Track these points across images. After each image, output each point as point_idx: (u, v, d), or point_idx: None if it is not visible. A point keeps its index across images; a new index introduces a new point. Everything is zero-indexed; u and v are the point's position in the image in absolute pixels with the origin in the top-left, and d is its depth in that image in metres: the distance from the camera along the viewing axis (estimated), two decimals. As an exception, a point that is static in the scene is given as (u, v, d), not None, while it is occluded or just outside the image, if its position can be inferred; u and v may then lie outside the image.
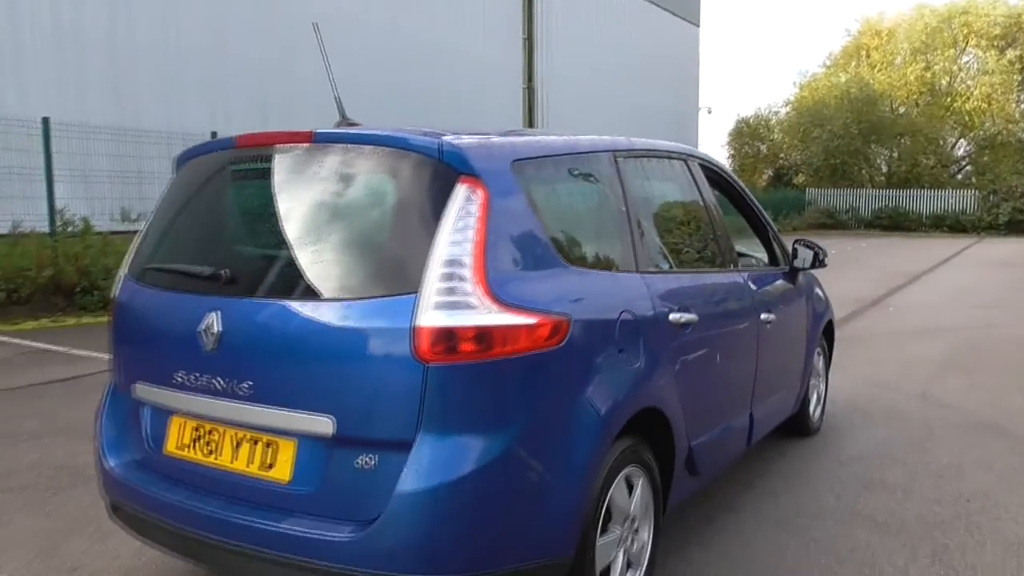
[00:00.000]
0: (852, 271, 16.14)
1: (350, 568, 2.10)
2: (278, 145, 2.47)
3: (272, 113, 16.60)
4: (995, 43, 38.15)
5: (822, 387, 5.01)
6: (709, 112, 47.32)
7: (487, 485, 2.10)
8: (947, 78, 38.77)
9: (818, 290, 4.84)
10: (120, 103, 14.27)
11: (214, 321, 2.29)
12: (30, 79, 12.98)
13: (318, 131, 2.39)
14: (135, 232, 2.86)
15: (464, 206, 2.18)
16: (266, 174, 2.50)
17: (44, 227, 10.34)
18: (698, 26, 35.42)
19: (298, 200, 2.42)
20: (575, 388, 2.32)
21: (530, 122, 24.41)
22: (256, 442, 2.30)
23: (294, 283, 2.29)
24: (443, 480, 2.06)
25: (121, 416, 2.69)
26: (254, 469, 2.29)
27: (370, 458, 2.12)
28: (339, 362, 2.15)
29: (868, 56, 42.13)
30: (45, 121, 10.20)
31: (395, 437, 2.09)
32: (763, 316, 3.69)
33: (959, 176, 39.87)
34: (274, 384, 2.23)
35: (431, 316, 2.07)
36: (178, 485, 2.44)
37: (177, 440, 2.47)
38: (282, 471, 2.24)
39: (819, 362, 4.87)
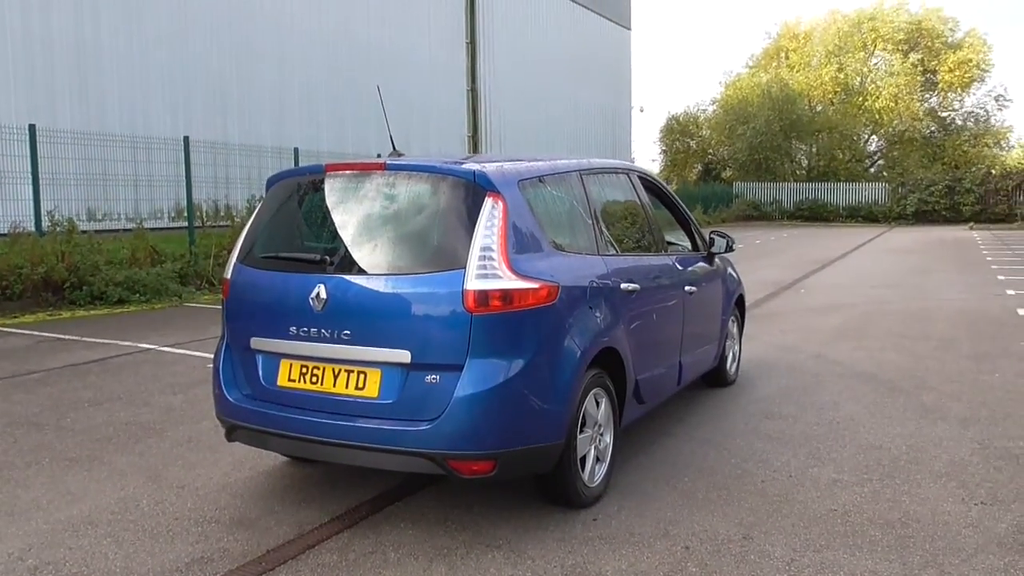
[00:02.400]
0: (773, 259, 17.86)
1: (422, 448, 3.23)
2: (358, 171, 3.58)
3: (231, 118, 17.31)
4: (900, 47, 41.11)
5: (736, 347, 6.31)
6: (641, 111, 49.27)
7: (511, 391, 3.26)
8: (859, 78, 41.56)
9: (731, 271, 6.14)
10: (86, 108, 14.82)
11: (321, 290, 3.38)
12: (0, 85, 13.47)
13: (388, 163, 3.51)
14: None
15: (491, 212, 3.33)
16: (351, 191, 3.60)
17: (29, 227, 11.01)
18: (629, 29, 37.07)
19: (377, 209, 3.52)
20: (563, 330, 3.49)
21: (474, 122, 25.55)
22: (350, 372, 3.40)
23: (379, 264, 3.40)
24: (484, 388, 3.21)
25: (235, 363, 3.75)
26: (350, 391, 3.39)
27: (435, 376, 3.25)
28: (413, 314, 3.28)
29: (787, 57, 44.75)
30: (31, 128, 10.84)
31: (452, 362, 3.23)
32: (687, 288, 4.94)
33: (872, 170, 42.78)
34: (366, 331, 3.33)
35: (474, 283, 3.22)
36: (289, 407, 3.51)
37: (287, 376, 3.54)
38: (371, 390, 3.35)
39: (733, 328, 6.17)
